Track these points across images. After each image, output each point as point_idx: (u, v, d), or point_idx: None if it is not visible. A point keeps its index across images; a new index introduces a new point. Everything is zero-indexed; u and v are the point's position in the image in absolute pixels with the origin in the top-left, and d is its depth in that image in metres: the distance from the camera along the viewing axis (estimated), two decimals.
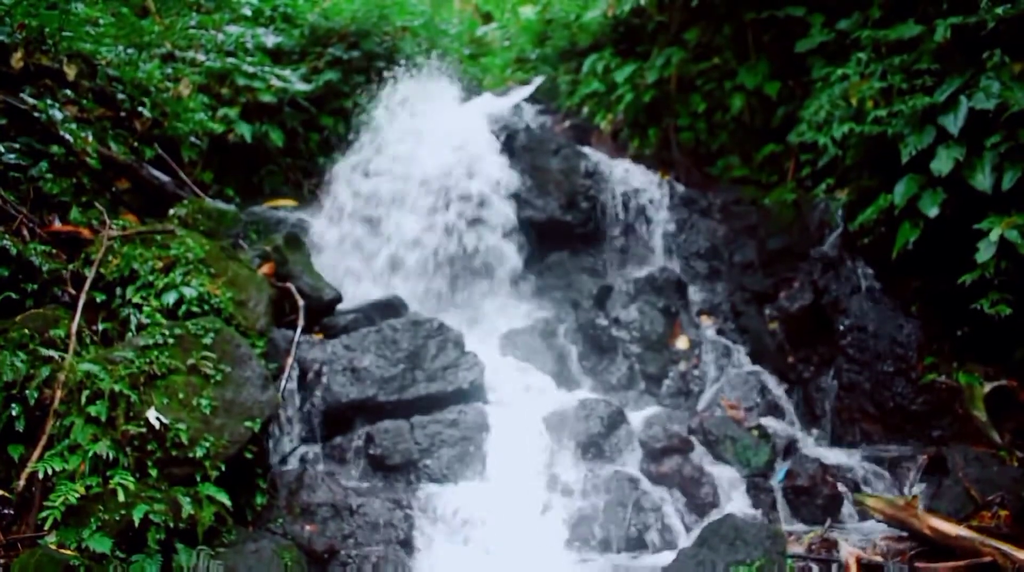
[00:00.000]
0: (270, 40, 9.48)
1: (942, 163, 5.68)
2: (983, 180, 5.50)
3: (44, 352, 4.43)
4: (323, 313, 6.66)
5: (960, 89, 5.77)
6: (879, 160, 6.44)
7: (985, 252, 5.38)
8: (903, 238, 6.01)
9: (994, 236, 5.34)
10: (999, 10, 5.63)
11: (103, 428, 4.25)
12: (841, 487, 5.65)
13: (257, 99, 8.53)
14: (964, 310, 5.74)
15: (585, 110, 10.42)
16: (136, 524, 3.97)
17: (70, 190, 5.74)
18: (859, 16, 7.18)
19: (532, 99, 10.86)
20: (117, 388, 4.34)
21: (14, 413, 4.19)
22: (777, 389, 6.97)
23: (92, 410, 4.25)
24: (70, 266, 5.18)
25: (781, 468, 5.87)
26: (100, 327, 4.96)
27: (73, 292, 5.02)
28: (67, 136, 5.80)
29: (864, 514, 5.39)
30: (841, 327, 6.62)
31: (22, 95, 5.85)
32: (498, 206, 8.53)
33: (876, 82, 6.43)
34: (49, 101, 5.93)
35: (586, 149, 9.35)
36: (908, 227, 5.99)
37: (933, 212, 5.74)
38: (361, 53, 9.82)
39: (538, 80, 11.29)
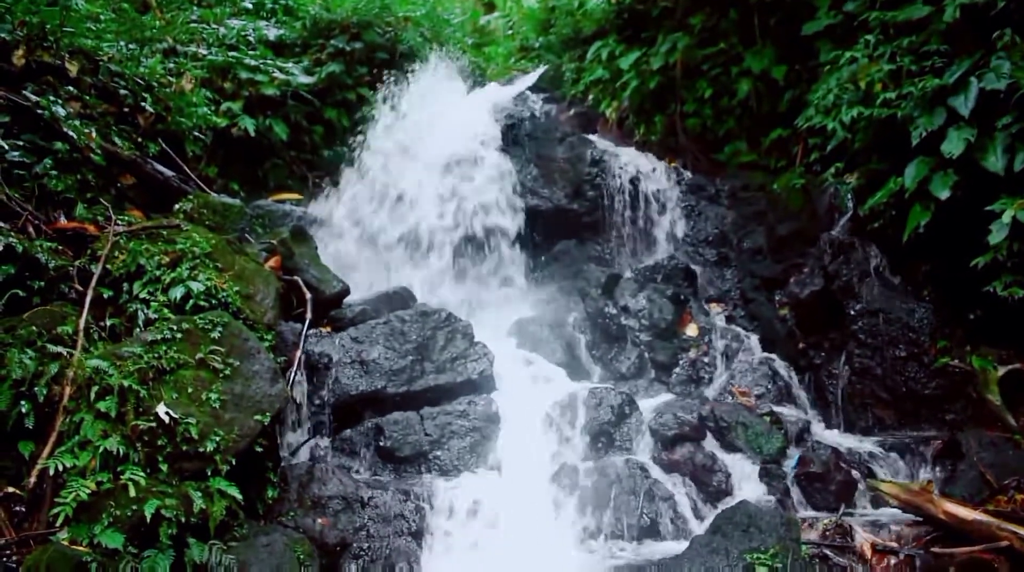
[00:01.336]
0: (272, 33, 9.46)
1: (953, 145, 5.61)
2: (995, 161, 5.43)
3: (52, 349, 4.42)
4: (331, 306, 6.63)
5: (970, 70, 5.70)
6: (889, 143, 6.37)
7: (997, 234, 5.32)
8: (914, 221, 5.95)
9: (1006, 217, 5.28)
10: None
11: (113, 424, 4.24)
12: (855, 473, 5.62)
13: (260, 92, 8.51)
14: (977, 293, 5.68)
15: (590, 98, 10.36)
16: (148, 519, 3.97)
17: (75, 186, 5.72)
18: None
19: (537, 88, 10.81)
20: (126, 383, 4.32)
21: (23, 410, 4.18)
22: (788, 375, 6.93)
23: (101, 406, 4.24)
24: (76, 262, 5.16)
25: (794, 455, 5.83)
26: (108, 323, 4.94)
27: (80, 288, 4.99)
28: (70, 133, 5.77)
29: (879, 500, 5.37)
30: (852, 312, 6.57)
31: (24, 92, 5.82)
32: (504, 196, 8.51)
33: (885, 64, 6.35)
34: (52, 98, 5.90)
35: (592, 137, 9.32)
36: (919, 210, 5.92)
37: (944, 194, 5.68)
38: (363, 44, 9.79)
39: (542, 69, 11.24)
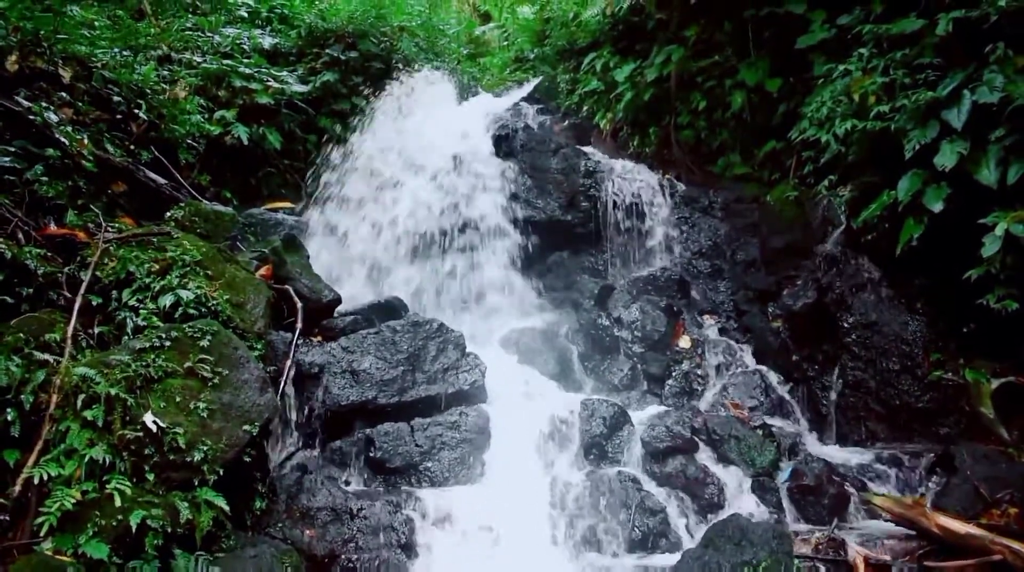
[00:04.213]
0: (267, 41, 9.46)
1: (946, 158, 5.61)
2: (988, 174, 5.43)
3: (39, 356, 4.37)
4: (322, 315, 6.60)
5: (963, 83, 5.71)
6: (882, 156, 6.38)
7: (991, 247, 5.31)
8: (907, 234, 5.94)
9: (1000, 230, 5.28)
10: (1001, 3, 5.58)
11: (99, 432, 4.20)
12: (848, 486, 5.59)
13: (254, 101, 8.48)
14: (970, 306, 5.67)
15: (585, 109, 10.39)
16: (133, 529, 3.93)
17: (65, 193, 5.69)
18: (860, 11, 7.12)
19: (531, 98, 10.85)
20: (113, 392, 4.28)
21: (9, 418, 4.13)
22: (781, 388, 6.91)
23: (88, 414, 4.20)
24: (66, 269, 5.13)
25: (787, 468, 5.80)
26: (96, 330, 4.90)
27: (69, 295, 4.96)
28: (62, 139, 5.76)
29: (871, 513, 5.35)
30: (845, 325, 6.56)
31: (17, 98, 5.80)
32: (498, 207, 8.49)
33: (878, 77, 6.36)
34: (44, 104, 5.89)
35: (586, 148, 9.32)
36: (912, 223, 5.92)
37: (937, 207, 5.68)
38: (359, 54, 9.80)
39: (536, 80, 11.27)
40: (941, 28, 5.93)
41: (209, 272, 5.45)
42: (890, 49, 6.47)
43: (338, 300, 6.78)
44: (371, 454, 5.61)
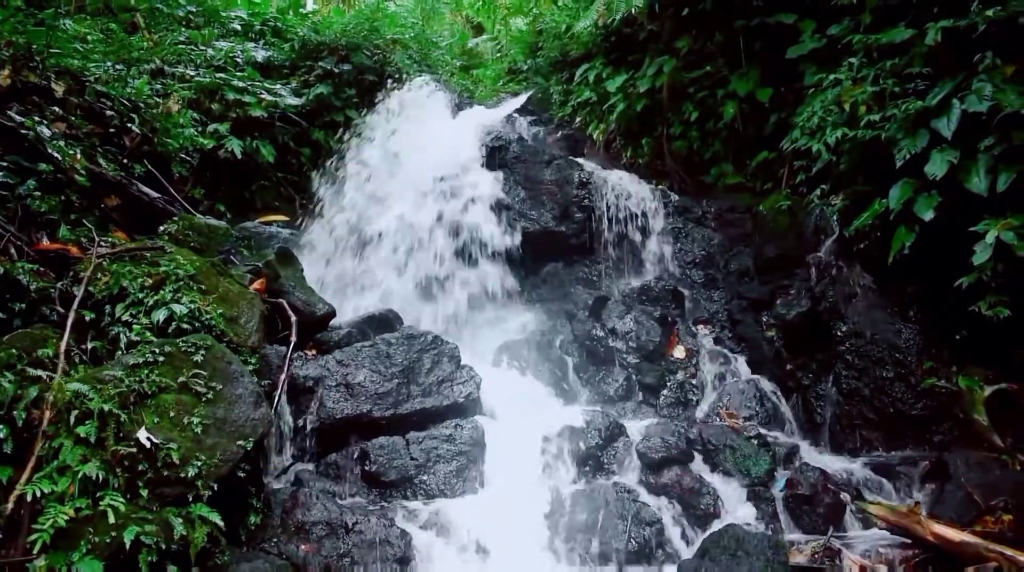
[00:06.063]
0: (260, 54, 9.48)
1: (936, 166, 5.66)
2: (978, 182, 5.47)
3: (32, 372, 4.34)
4: (316, 328, 6.58)
5: (952, 92, 5.76)
6: (873, 165, 6.41)
7: (982, 254, 5.35)
8: (899, 242, 5.98)
9: (990, 238, 5.32)
10: (990, 12, 5.63)
11: (93, 449, 4.17)
12: (843, 495, 5.59)
13: (248, 114, 8.50)
14: (962, 313, 5.70)
15: (578, 120, 10.44)
16: (127, 546, 3.90)
17: (58, 208, 5.67)
18: (850, 22, 7.18)
19: (525, 110, 10.88)
20: (107, 408, 4.26)
21: (1, 435, 4.09)
22: (776, 397, 6.93)
23: (81, 430, 4.17)
24: (59, 284, 5.10)
25: (782, 477, 5.80)
26: (89, 346, 4.87)
27: (62, 311, 4.93)
28: (55, 153, 5.74)
29: (867, 522, 5.35)
30: (839, 333, 6.58)
31: (9, 112, 5.80)
32: (491, 218, 8.50)
33: (868, 86, 6.41)
34: (37, 118, 5.89)
35: (579, 159, 9.36)
36: (904, 231, 5.96)
37: (928, 216, 5.72)
38: (352, 66, 9.83)
39: (530, 91, 11.31)
40: (930, 38, 5.97)
41: (203, 286, 5.44)
42: (880, 59, 6.52)
43: (332, 313, 6.76)
44: (366, 468, 5.60)
